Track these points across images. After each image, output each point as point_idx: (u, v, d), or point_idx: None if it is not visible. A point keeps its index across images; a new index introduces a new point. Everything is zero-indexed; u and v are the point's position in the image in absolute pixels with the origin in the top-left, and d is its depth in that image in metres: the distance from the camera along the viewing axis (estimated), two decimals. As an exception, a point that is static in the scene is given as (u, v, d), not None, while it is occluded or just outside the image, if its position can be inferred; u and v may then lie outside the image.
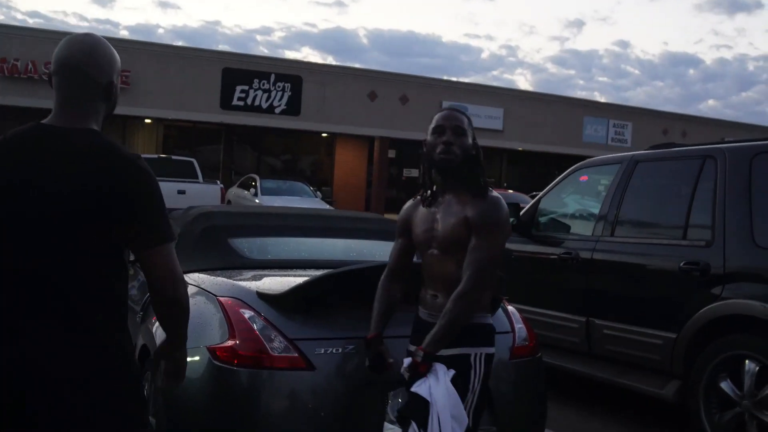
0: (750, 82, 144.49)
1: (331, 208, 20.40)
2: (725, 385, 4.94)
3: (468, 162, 2.98)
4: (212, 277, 3.99)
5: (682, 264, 5.25)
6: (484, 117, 30.43)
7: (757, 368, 4.76)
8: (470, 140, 3.00)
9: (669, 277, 5.39)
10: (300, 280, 3.94)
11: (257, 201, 20.17)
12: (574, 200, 7.11)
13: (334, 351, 3.42)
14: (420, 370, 2.84)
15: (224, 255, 4.37)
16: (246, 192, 21.36)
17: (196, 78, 25.73)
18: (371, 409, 3.45)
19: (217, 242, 4.44)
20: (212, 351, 3.44)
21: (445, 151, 2.93)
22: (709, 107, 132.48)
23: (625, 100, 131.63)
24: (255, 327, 3.45)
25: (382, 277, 3.26)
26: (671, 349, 5.24)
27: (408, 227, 3.15)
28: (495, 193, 2.98)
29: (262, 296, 3.58)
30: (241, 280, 3.95)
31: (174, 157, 20.38)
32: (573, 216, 7.01)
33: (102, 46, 2.24)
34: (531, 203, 7.10)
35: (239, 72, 26.43)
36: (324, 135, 29.88)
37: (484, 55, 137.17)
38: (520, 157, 34.91)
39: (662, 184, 5.97)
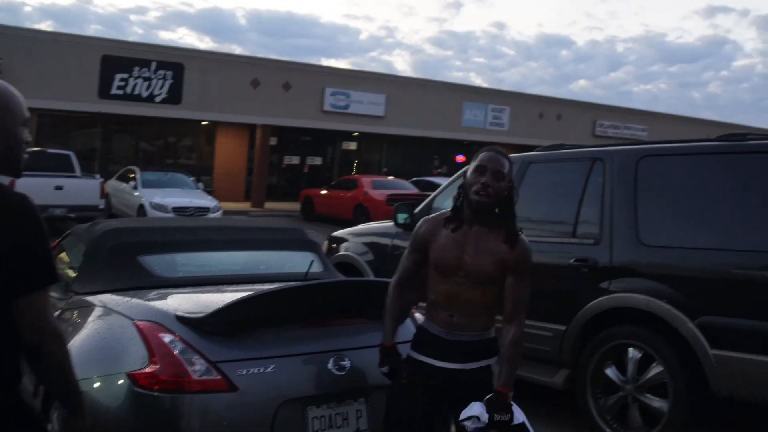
0: (619, 63, 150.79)
1: (212, 198, 20.13)
2: (610, 372, 5.33)
3: (501, 204, 3.15)
4: (126, 299, 3.98)
5: (572, 261, 5.59)
6: (366, 103, 30.66)
7: (640, 355, 5.17)
8: (506, 183, 3.15)
9: (560, 273, 5.72)
10: (217, 300, 4.00)
11: (136, 194, 19.69)
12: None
13: (256, 371, 3.50)
14: (509, 406, 3.07)
15: (134, 274, 4.35)
16: (125, 185, 20.80)
17: (73, 66, 24.76)
18: (294, 426, 3.56)
19: (127, 261, 4.41)
20: (133, 377, 3.45)
21: (481, 193, 3.09)
22: (581, 87, 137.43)
23: (500, 81, 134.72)
24: (175, 351, 3.49)
25: (393, 285, 3.36)
26: (561, 341, 5.59)
27: (426, 245, 3.25)
28: (523, 237, 3.18)
29: (182, 320, 3.62)
30: (156, 301, 3.96)
31: (50, 151, 19.60)
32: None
33: None
34: (425, 202, 7.31)
35: (119, 59, 25.60)
36: (204, 123, 29.39)
37: (363, 36, 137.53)
38: (401, 142, 35.35)
39: (553, 185, 6.30)
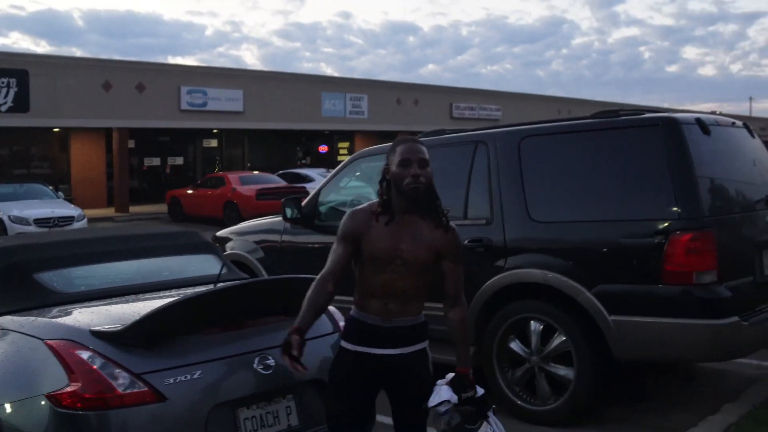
0: (464, 47, 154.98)
1: (75, 207, 19.35)
2: (515, 345, 5.52)
3: (429, 190, 3.22)
4: (30, 319, 3.79)
5: (466, 242, 5.73)
6: (224, 99, 30.22)
7: (541, 327, 5.38)
8: (430, 170, 3.23)
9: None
10: (129, 311, 3.89)
11: (-10, 207, 18.67)
12: (354, 189, 7.41)
13: (183, 378, 3.43)
14: (472, 382, 3.29)
15: (33, 293, 4.14)
16: None
17: None
18: (227, 429, 3.52)
19: (23, 279, 4.19)
20: (54, 398, 3.31)
21: (414, 183, 3.16)
22: (430, 72, 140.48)
23: (351, 69, 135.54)
24: (95, 366, 3.36)
25: (320, 278, 3.27)
26: None
27: (357, 237, 3.26)
28: (452, 223, 3.28)
29: (98, 334, 3.49)
30: (63, 318, 3.79)
31: None
32: (353, 204, 7.31)
33: None
34: (310, 195, 7.30)
35: (-46, 69, 24.09)
36: (56, 130, 28.13)
37: (209, 32, 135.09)
38: (263, 136, 35.10)
39: (439, 170, 6.41)
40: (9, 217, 17.73)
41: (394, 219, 3.24)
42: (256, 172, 26.20)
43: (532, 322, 5.43)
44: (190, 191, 23.96)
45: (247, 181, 22.19)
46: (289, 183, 23.20)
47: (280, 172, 26.68)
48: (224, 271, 4.83)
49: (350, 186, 7.28)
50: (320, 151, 36.78)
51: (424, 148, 3.24)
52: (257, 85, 31.54)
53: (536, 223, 5.49)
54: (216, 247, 5.16)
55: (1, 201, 18.84)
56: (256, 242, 7.57)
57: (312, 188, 22.37)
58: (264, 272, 7.29)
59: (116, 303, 4.09)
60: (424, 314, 3.35)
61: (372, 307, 3.27)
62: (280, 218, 7.44)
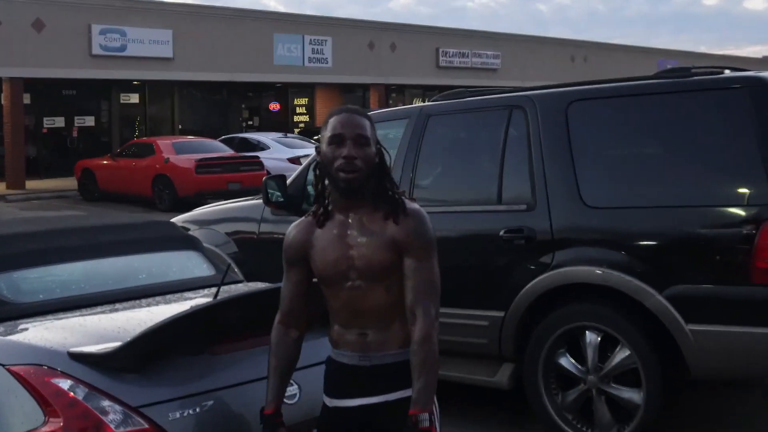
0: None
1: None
2: (565, 362, 5.67)
3: (373, 174, 3.13)
4: (-21, 338, 3.85)
5: (502, 232, 5.86)
6: (148, 42, 30.00)
7: (599, 338, 5.52)
8: (374, 148, 3.13)
9: (488, 248, 5.99)
10: (110, 326, 3.97)
11: None
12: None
13: (191, 412, 3.52)
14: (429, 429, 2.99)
15: (-22, 303, 4.20)
16: None
17: None
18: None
19: None
20: (29, 439, 3.39)
21: (347, 168, 3.04)
22: (401, 5, 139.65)
23: (301, 3, 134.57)
24: (80, 398, 3.44)
25: (275, 324, 3.29)
26: (499, 330, 5.88)
27: (303, 256, 3.20)
28: (413, 204, 3.17)
29: (79, 357, 3.56)
30: (26, 337, 3.85)
31: None
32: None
33: None
34: (297, 172, 7.37)
35: None
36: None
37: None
38: (197, 91, 34.87)
39: (464, 142, 6.54)
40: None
41: (333, 218, 3.18)
42: (191, 138, 26.11)
43: (587, 332, 5.58)
44: (106, 162, 23.85)
45: (183, 149, 22.12)
46: (236, 151, 23.17)
47: (223, 137, 26.61)
48: (208, 272, 4.94)
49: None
50: (271, 109, 36.67)
51: (366, 121, 3.14)
52: (190, 23, 31.31)
53: (590, 208, 5.63)
54: (197, 241, 5.25)
55: None
56: (229, 234, 7.65)
57: (266, 157, 22.46)
58: (239, 273, 7.38)
59: (89, 316, 4.17)
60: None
61: (345, 340, 3.20)
62: (257, 202, 7.53)
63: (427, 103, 6.91)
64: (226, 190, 20.75)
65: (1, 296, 4.27)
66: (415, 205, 3.17)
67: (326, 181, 3.19)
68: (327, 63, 35.57)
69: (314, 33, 35.16)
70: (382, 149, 3.19)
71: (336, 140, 3.08)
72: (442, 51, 39.62)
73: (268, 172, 21.84)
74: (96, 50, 28.91)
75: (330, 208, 3.20)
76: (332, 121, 3.12)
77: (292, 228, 3.28)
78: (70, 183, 26.08)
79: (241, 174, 21.26)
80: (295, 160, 22.51)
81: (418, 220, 3.13)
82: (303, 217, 3.29)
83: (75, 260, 4.72)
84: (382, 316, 3.13)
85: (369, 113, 3.26)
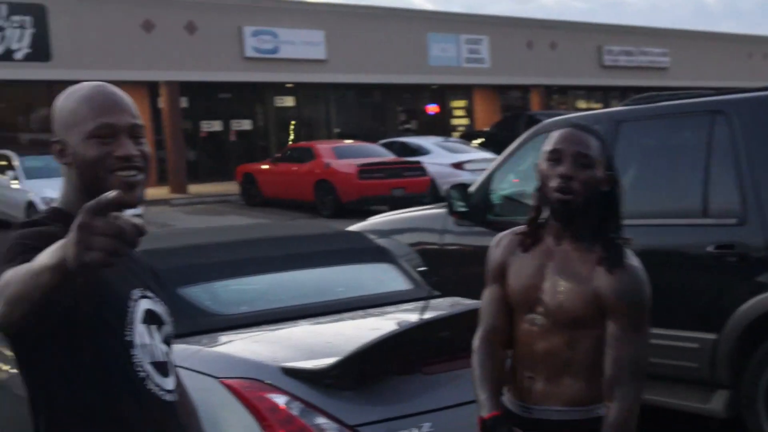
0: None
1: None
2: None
3: (595, 202, 2.89)
4: (190, 350, 3.95)
5: (712, 249, 5.70)
6: (300, 44, 30.50)
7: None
8: (601, 173, 2.88)
9: (696, 264, 5.84)
10: (318, 341, 4.03)
11: (18, 187, 19.41)
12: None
13: (409, 434, 3.55)
14: None
15: (182, 313, 4.28)
16: (1, 177, 20.49)
17: None
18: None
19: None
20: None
21: (561, 188, 2.82)
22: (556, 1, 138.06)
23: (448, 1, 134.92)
24: (296, 414, 3.50)
25: (478, 339, 3.09)
26: (711, 353, 5.70)
27: (503, 272, 3.03)
28: (633, 257, 2.88)
29: (292, 373, 3.63)
30: (237, 350, 3.96)
31: None
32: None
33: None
34: (480, 181, 7.35)
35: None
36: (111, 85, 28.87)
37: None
38: (350, 94, 35.27)
39: (660, 150, 6.40)
40: (42, 199, 18.33)
41: (539, 244, 2.97)
42: (349, 141, 26.37)
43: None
44: (267, 166, 24.30)
45: (343, 154, 22.26)
46: (396, 155, 23.25)
47: (384, 141, 26.76)
48: (405, 286, 4.98)
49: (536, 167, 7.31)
50: (429, 111, 36.76)
51: (594, 139, 2.89)
52: (343, 23, 31.73)
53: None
54: (391, 253, 5.30)
55: (30, 178, 19.50)
56: (411, 244, 7.68)
57: (428, 162, 22.49)
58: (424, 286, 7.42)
59: (294, 329, 4.25)
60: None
61: (517, 381, 2.99)
62: (438, 211, 7.54)
63: (617, 109, 6.78)
64: (390, 196, 20.86)
65: (205, 308, 4.41)
66: (636, 261, 2.86)
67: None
68: (484, 63, 35.48)
69: (469, 32, 35.13)
70: (615, 177, 2.92)
71: (553, 156, 2.86)
72: (606, 49, 39.04)
73: (432, 179, 21.92)
74: (249, 52, 29.56)
75: (544, 234, 2.97)
76: (554, 135, 2.92)
77: (499, 239, 3.11)
78: (230, 187, 26.65)
79: (404, 180, 21.21)
80: (458, 166, 22.43)
81: (634, 277, 2.82)
82: (512, 230, 3.10)
83: (271, 271, 4.84)
84: (556, 366, 2.87)
85: (598, 132, 2.97)
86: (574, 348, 2.85)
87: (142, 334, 2.31)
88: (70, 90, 2.37)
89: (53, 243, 1.93)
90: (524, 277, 2.95)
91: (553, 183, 2.84)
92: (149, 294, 2.39)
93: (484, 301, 3.13)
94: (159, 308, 2.42)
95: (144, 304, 2.34)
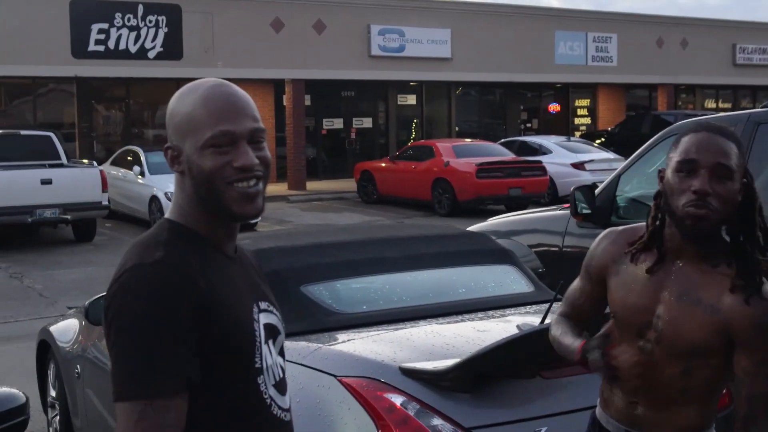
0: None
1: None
2: None
3: (730, 217, 2.59)
4: (310, 347, 4.01)
5: None
6: (426, 42, 30.62)
7: None
8: (738, 183, 2.56)
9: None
10: (437, 342, 4.05)
11: (143, 182, 19.96)
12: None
13: (525, 437, 3.55)
14: None
15: (303, 312, 4.38)
16: (125, 172, 21.08)
17: (32, 18, 24.96)
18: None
19: (288, 294, 4.43)
20: (361, 454, 3.51)
21: (696, 204, 2.50)
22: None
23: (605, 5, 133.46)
24: (412, 415, 3.52)
25: (553, 322, 3.00)
26: None
27: (604, 274, 2.77)
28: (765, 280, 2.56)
29: (410, 373, 3.65)
30: (355, 349, 3.99)
31: (24, 133, 19.81)
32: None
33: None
34: (606, 182, 7.27)
35: (94, 5, 25.75)
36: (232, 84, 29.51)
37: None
38: (474, 93, 35.24)
39: None
40: (166, 194, 18.80)
41: (654, 259, 2.66)
42: (469, 140, 26.38)
43: None
44: (385, 164, 24.51)
45: (463, 153, 22.34)
46: (516, 155, 23.19)
47: (503, 140, 26.72)
48: (526, 288, 4.96)
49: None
50: (550, 111, 36.50)
51: (733, 146, 2.55)
52: (469, 22, 31.69)
53: None
54: (514, 254, 5.28)
55: (155, 174, 20.02)
56: (531, 246, 7.65)
57: (548, 162, 22.35)
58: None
59: (414, 329, 4.27)
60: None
61: (613, 402, 2.75)
62: (561, 213, 7.48)
63: (756, 110, 6.62)
64: (506, 196, 20.91)
65: (327, 306, 4.47)
66: None
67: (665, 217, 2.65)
68: (611, 62, 35.03)
69: (598, 30, 34.73)
70: (752, 186, 2.60)
71: (687, 167, 2.52)
72: (740, 47, 38.09)
73: (551, 178, 21.79)
74: (375, 51, 29.79)
75: (663, 250, 2.65)
76: (686, 140, 2.56)
77: (606, 235, 2.84)
78: (348, 185, 27.00)
79: (522, 179, 21.26)
80: (579, 166, 22.28)
81: None
82: (625, 229, 2.81)
83: (393, 271, 4.87)
84: (665, 396, 2.63)
85: (736, 134, 2.64)
86: (690, 379, 2.59)
87: (266, 356, 2.20)
88: (186, 89, 2.22)
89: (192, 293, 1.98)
90: (635, 296, 2.65)
91: (686, 198, 2.51)
92: (263, 305, 2.26)
93: (572, 292, 2.94)
94: (274, 319, 2.30)
95: (263, 319, 2.23)
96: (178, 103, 2.20)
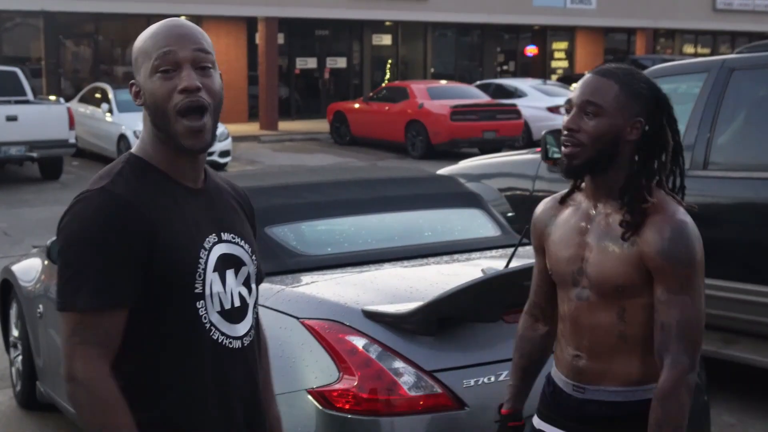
0: None
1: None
2: None
3: (606, 154, 2.65)
4: (273, 289, 4.02)
5: None
6: (401, -19, 30.38)
7: None
8: (620, 120, 2.63)
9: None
10: (402, 285, 4.07)
11: (112, 121, 19.79)
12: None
13: (485, 381, 3.59)
14: None
15: (269, 253, 4.37)
16: (93, 109, 20.89)
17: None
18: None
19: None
20: (318, 395, 3.54)
21: (565, 141, 2.65)
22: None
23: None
24: (374, 358, 3.56)
25: (522, 314, 3.05)
26: None
27: (543, 245, 2.89)
28: (678, 212, 2.64)
29: (373, 316, 3.67)
30: (319, 291, 4.02)
31: (-13, 68, 19.58)
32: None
33: None
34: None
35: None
36: (184, 19, 29.18)
37: None
38: (451, 34, 35.03)
39: None
40: (135, 133, 18.65)
41: (579, 206, 2.79)
42: (444, 82, 26.29)
43: None
44: (358, 105, 24.42)
45: (437, 95, 22.27)
46: (492, 98, 23.14)
47: (478, 82, 26.65)
48: (494, 232, 4.99)
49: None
50: (527, 54, 36.37)
51: (612, 84, 2.63)
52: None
53: None
54: (482, 198, 5.29)
55: (123, 111, 19.82)
56: (501, 189, 7.67)
57: (524, 105, 22.33)
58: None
59: (378, 272, 4.29)
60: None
61: (563, 360, 2.82)
62: (532, 157, 7.50)
63: (730, 56, 6.62)
64: (481, 139, 20.91)
65: (291, 247, 4.49)
66: (681, 215, 2.62)
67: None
68: (590, 4, 34.86)
69: (578, -29, 34.54)
70: (643, 126, 2.66)
71: (566, 107, 2.72)
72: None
73: (526, 122, 21.78)
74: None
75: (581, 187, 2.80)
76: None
77: (539, 207, 2.95)
78: (321, 125, 26.90)
79: (497, 122, 21.23)
80: (554, 110, 22.23)
81: (677, 230, 2.58)
82: (553, 195, 2.93)
83: (359, 213, 4.88)
84: (606, 343, 2.70)
85: (628, 77, 2.66)
86: (624, 322, 2.66)
87: (211, 283, 2.29)
88: (145, 30, 2.36)
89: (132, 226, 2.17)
90: (564, 247, 2.76)
91: (561, 136, 2.69)
92: (227, 236, 2.36)
93: (533, 275, 3.02)
94: (237, 250, 2.38)
95: (218, 250, 2.32)
96: (136, 42, 2.35)
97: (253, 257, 2.44)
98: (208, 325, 2.28)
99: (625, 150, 2.65)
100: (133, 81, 2.33)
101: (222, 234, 2.35)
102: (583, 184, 2.77)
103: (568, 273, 2.73)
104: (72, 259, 2.18)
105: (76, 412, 2.21)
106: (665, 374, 2.55)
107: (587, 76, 2.69)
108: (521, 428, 2.95)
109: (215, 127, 2.31)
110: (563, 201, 2.84)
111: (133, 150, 2.35)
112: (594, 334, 2.69)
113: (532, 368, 2.99)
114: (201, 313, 2.27)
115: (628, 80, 2.65)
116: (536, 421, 2.92)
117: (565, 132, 2.64)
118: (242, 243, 2.40)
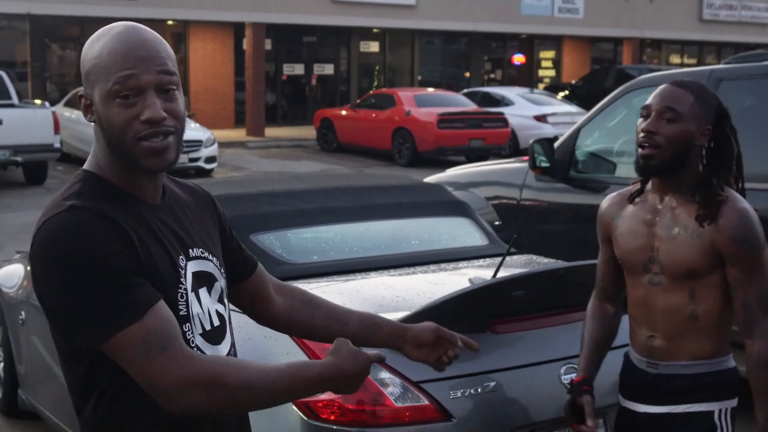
0: None
1: (201, 127, 20.05)
2: None
3: (684, 155, 2.98)
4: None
5: None
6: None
7: None
8: (693, 127, 2.97)
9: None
10: (389, 295, 4.04)
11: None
12: (627, 129, 7.34)
13: (473, 392, 3.55)
14: None
15: (254, 261, 4.36)
16: (78, 113, 20.78)
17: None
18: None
19: None
20: (303, 406, 3.50)
21: (643, 143, 2.98)
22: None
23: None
24: (360, 369, 3.52)
25: (591, 302, 3.35)
26: None
27: (609, 232, 3.22)
28: (739, 202, 2.97)
29: (360, 325, 3.64)
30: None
31: (-30, 72, 19.49)
32: (622, 153, 7.22)
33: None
34: (565, 136, 7.27)
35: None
36: (171, 23, 29.22)
37: None
38: (438, 42, 35.09)
39: (763, 113, 6.25)
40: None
41: (646, 199, 3.11)
42: (431, 90, 26.32)
43: None
44: (345, 112, 24.41)
45: (424, 102, 22.28)
46: (479, 106, 23.17)
47: (466, 90, 26.69)
48: (481, 242, 4.96)
49: (624, 125, 7.17)
50: (514, 62, 36.49)
51: (687, 95, 2.96)
52: (434, -31, 31.50)
53: None
54: (469, 207, 5.28)
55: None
56: (488, 198, 7.65)
57: (511, 114, 22.37)
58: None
59: (363, 281, 4.26)
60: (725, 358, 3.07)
61: (637, 339, 3.17)
62: (519, 165, 7.49)
63: (718, 66, 6.63)
64: (467, 147, 20.94)
65: (277, 255, 4.45)
66: (745, 204, 2.97)
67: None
68: (578, 14, 35.03)
69: (565, -20, 34.67)
70: (725, 133, 3.03)
71: (643, 113, 3.02)
72: (707, 2, 38.19)
73: (513, 130, 21.82)
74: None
75: (648, 186, 3.13)
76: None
77: (604, 201, 3.29)
78: (307, 132, 26.88)
79: (484, 130, 21.26)
80: (541, 118, 22.30)
81: (743, 219, 2.92)
82: (618, 191, 3.27)
83: (346, 221, 4.85)
84: (678, 322, 3.02)
85: (699, 87, 3.04)
86: (695, 302, 2.99)
87: (192, 304, 2.15)
88: (97, 34, 2.11)
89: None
90: (633, 238, 3.09)
91: (639, 138, 2.99)
92: (195, 252, 2.21)
93: (598, 265, 3.35)
94: (207, 266, 2.24)
95: (192, 267, 2.17)
96: (88, 49, 2.09)
97: (221, 270, 2.29)
98: (195, 349, 2.13)
99: (693, 153, 2.99)
100: (82, 93, 2.10)
101: (190, 251, 2.19)
102: (650, 182, 3.10)
103: (639, 261, 3.07)
104: (82, 283, 1.94)
105: (234, 408, 2.10)
106: (760, 344, 2.91)
107: (665, 86, 2.99)
108: (591, 393, 3.14)
109: (180, 145, 2.10)
110: (630, 198, 3.15)
111: (85, 166, 2.14)
112: (667, 315, 3.02)
113: (603, 340, 3.28)
114: (189, 337, 2.12)
115: (701, 92, 3.01)
116: (621, 399, 3.23)
117: (644, 134, 2.96)
118: (210, 257, 2.25)
